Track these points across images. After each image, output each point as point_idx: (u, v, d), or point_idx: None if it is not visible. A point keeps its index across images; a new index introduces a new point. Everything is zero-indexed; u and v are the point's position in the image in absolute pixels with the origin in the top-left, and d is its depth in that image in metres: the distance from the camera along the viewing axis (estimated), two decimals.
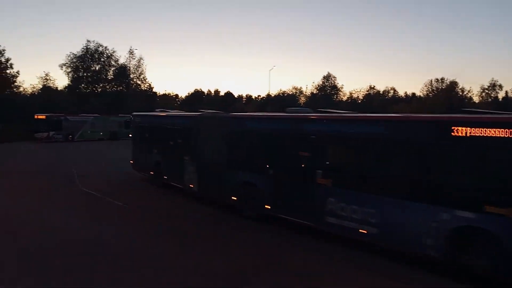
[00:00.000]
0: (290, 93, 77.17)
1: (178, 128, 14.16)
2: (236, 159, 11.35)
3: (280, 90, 78.15)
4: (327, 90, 75.79)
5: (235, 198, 11.26)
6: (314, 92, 76.43)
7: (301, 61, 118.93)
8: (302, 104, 68.61)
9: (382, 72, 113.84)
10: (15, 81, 50.90)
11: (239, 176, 11.09)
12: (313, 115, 10.19)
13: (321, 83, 76.31)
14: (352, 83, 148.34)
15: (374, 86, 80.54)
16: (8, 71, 49.59)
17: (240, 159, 11.27)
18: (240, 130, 11.41)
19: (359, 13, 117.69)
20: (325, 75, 76.26)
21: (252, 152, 11.02)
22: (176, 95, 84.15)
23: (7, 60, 49.43)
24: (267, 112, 11.69)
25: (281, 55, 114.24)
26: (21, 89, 53.57)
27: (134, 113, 18.38)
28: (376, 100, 74.39)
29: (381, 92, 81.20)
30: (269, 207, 10.20)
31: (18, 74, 51.11)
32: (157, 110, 18.17)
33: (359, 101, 76.13)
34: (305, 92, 78.75)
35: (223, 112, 15.12)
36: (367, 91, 79.82)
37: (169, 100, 73.77)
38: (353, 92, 79.71)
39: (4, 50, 49.15)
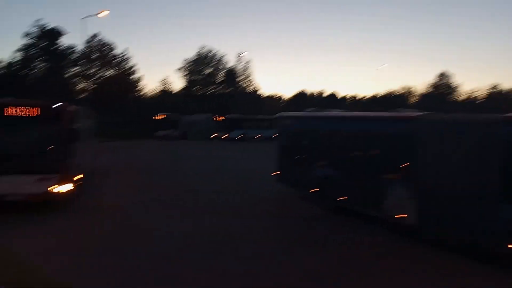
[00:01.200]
0: (399, 93, 72.66)
1: (373, 134, 10.63)
2: None
3: (388, 90, 74.22)
4: (441, 89, 69.82)
5: None
6: (426, 91, 71.02)
7: (412, 61, 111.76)
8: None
9: (508, 70, 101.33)
10: (137, 86, 55.65)
11: None
12: None
13: (435, 82, 70.71)
14: (471, 83, 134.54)
15: (497, 85, 72.26)
16: (131, 77, 54.36)
17: None
18: None
19: (477, 8, 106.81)
20: (440, 73, 70.72)
21: None
22: (279, 97, 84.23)
23: (131, 67, 54.39)
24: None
25: (389, 54, 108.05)
26: (143, 92, 58.90)
27: (282, 113, 15.61)
28: (500, 100, 66.03)
29: (503, 92, 72.17)
30: None
31: (141, 79, 56.24)
32: (308, 110, 15.21)
33: (478, 102, 68.76)
34: (415, 92, 73.75)
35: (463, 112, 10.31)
36: (488, 90, 71.82)
37: (273, 102, 74.13)
38: (472, 91, 72.43)
39: (129, 58, 54.19)
